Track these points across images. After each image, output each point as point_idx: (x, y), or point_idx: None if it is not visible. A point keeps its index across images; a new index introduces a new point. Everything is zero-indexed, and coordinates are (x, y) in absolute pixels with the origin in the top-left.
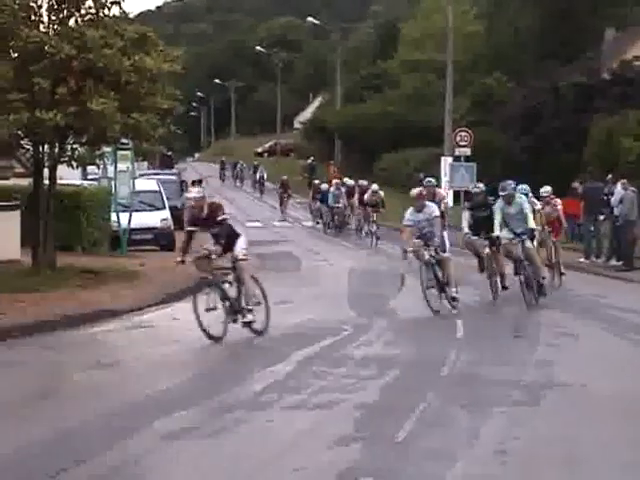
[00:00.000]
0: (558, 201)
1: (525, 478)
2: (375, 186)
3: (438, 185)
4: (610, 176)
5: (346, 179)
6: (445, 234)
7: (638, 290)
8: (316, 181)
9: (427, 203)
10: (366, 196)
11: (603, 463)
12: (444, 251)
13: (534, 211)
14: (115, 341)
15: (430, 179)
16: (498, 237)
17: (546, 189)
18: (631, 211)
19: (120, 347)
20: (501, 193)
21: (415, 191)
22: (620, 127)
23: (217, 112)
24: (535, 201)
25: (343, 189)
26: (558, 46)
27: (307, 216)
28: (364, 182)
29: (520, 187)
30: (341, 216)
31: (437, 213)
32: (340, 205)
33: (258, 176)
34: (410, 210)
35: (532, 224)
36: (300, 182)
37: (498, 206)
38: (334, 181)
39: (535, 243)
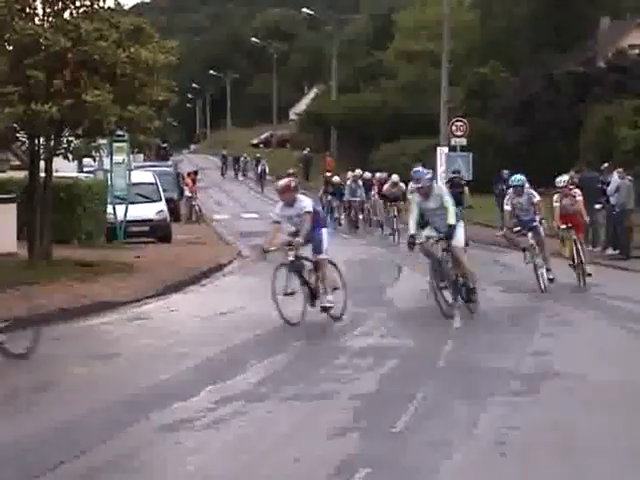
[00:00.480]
0: (577, 192)
1: (524, 467)
2: (395, 177)
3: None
4: (606, 165)
5: (358, 171)
6: (324, 232)
7: (635, 279)
8: (327, 173)
9: (299, 197)
10: (385, 188)
11: (602, 452)
12: (320, 252)
13: (533, 204)
14: (112, 333)
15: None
16: (412, 236)
17: (563, 178)
18: (628, 200)
19: (117, 339)
20: (415, 185)
21: (282, 183)
22: (616, 116)
23: (212, 104)
24: (533, 192)
25: (360, 182)
26: (553, 35)
27: None
28: (382, 174)
29: (515, 177)
30: (359, 211)
31: (309, 208)
32: (358, 199)
33: (260, 170)
34: (280, 205)
35: (452, 220)
36: (296, 173)
37: (414, 200)
38: (350, 174)
39: (542, 235)
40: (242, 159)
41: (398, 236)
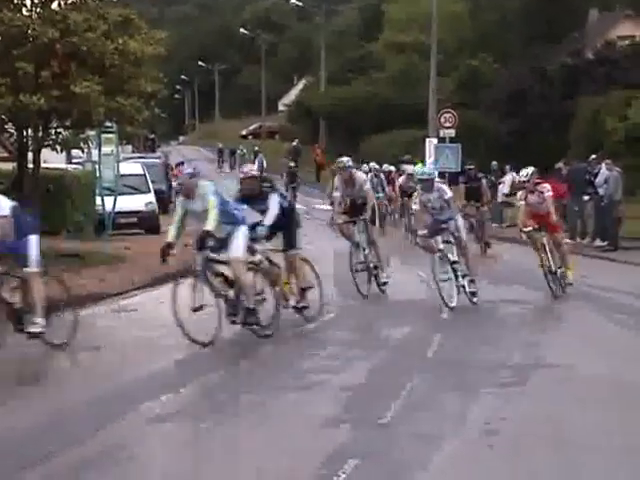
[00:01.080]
0: (546, 187)
1: (513, 459)
2: (411, 168)
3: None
4: (593, 156)
5: (372, 163)
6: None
7: (623, 270)
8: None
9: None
10: (402, 180)
11: (591, 443)
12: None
13: (447, 201)
14: (101, 325)
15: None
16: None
17: (525, 171)
18: (616, 191)
19: (106, 331)
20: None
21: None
22: (605, 107)
23: (201, 95)
24: (444, 187)
25: (382, 175)
26: (544, 27)
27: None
28: (390, 167)
29: (419, 170)
30: (386, 210)
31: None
32: (381, 195)
33: (257, 164)
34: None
35: (209, 225)
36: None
37: (178, 202)
38: (365, 166)
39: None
40: (238, 152)
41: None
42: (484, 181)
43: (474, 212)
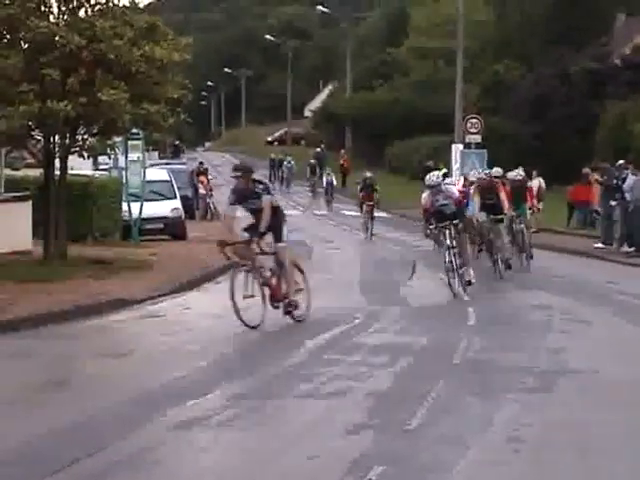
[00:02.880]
0: (452, 189)
1: (538, 465)
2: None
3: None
4: (621, 162)
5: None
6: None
7: None
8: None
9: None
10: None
11: (617, 450)
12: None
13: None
14: (127, 331)
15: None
16: None
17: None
18: None
19: (132, 337)
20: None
21: None
22: (631, 112)
23: (227, 101)
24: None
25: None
26: (568, 31)
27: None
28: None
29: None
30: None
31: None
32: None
33: (325, 182)
34: None
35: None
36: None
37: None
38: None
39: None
40: (286, 163)
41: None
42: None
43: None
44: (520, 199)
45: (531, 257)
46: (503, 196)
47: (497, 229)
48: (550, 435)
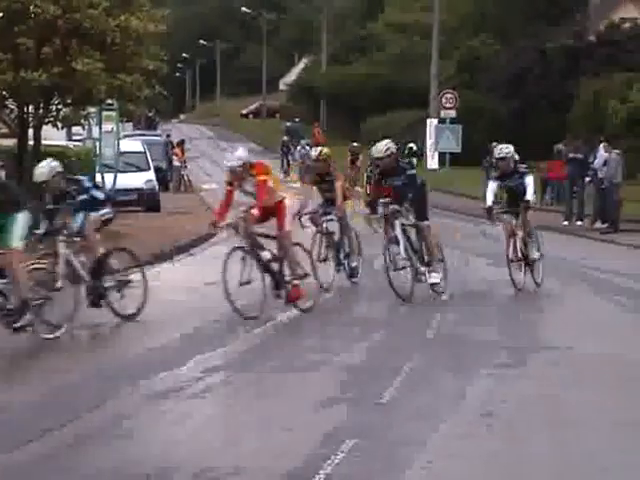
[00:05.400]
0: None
1: (510, 439)
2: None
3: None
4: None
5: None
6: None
7: (623, 252)
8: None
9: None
10: None
11: (589, 425)
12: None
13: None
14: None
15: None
16: None
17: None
18: (616, 173)
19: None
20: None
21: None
22: (606, 89)
23: (202, 73)
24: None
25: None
26: (545, 8)
27: None
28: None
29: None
30: None
31: None
32: None
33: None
34: None
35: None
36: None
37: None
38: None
39: None
40: (299, 148)
41: None
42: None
43: None
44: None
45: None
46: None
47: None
48: (523, 410)
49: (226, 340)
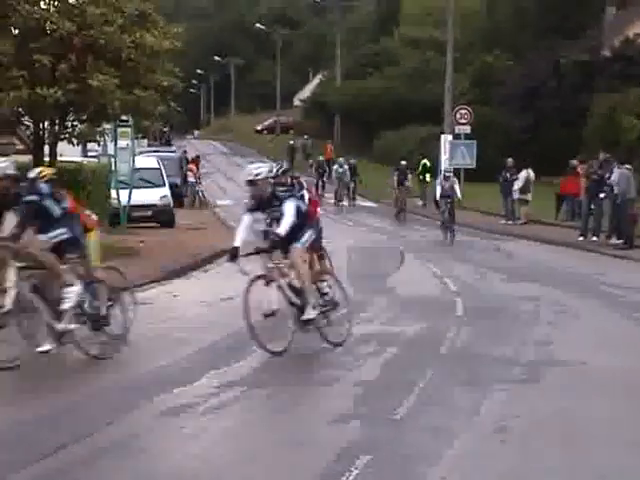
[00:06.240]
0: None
1: (524, 455)
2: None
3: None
4: (607, 155)
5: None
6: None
7: (638, 268)
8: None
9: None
10: None
11: (603, 441)
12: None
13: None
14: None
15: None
16: None
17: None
18: (628, 189)
19: None
20: None
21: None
22: (621, 105)
23: (217, 89)
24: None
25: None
26: (558, 23)
27: None
28: None
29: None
30: None
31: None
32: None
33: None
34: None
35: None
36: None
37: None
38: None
39: None
40: (337, 167)
41: None
42: None
43: None
44: None
45: None
46: None
47: None
48: (537, 425)
49: (240, 356)
